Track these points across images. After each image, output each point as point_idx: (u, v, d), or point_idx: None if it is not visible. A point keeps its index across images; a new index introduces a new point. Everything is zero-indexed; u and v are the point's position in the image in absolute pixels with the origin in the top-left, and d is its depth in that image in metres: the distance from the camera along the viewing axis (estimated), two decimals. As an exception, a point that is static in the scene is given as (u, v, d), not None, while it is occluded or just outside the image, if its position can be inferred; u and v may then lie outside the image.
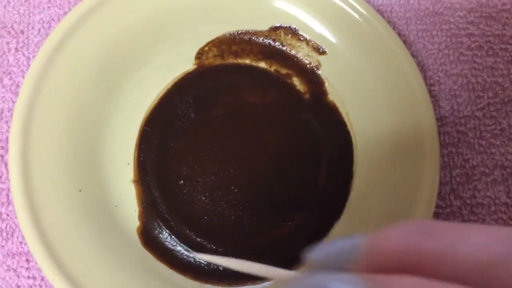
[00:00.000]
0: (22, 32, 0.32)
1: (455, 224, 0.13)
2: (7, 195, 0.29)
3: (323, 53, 0.31)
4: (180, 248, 0.28)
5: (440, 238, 0.13)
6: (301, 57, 0.32)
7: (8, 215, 0.28)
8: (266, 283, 0.27)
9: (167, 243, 0.28)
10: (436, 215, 0.30)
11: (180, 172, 0.29)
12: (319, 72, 0.32)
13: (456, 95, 0.32)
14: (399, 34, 0.34)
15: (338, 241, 0.15)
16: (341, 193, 0.29)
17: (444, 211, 0.30)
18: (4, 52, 0.32)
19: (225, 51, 0.32)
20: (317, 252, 0.15)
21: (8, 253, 0.28)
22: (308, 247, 0.27)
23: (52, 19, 0.32)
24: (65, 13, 0.33)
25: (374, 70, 0.30)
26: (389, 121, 0.29)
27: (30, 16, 0.33)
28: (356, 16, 0.30)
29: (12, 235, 0.28)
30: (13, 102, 0.31)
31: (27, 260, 0.28)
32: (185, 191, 0.29)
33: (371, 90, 0.30)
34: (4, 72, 0.31)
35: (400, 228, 0.13)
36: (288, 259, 0.28)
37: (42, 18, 0.33)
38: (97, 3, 0.29)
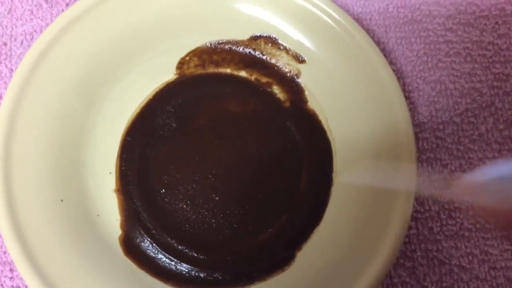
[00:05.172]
0: (5, 44, 0.33)
1: None
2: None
3: (302, 61, 0.32)
4: (162, 256, 0.29)
5: None
6: (281, 66, 0.32)
7: (-9, 225, 0.29)
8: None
9: (149, 251, 0.29)
10: (415, 220, 0.30)
11: (161, 181, 0.30)
12: (299, 80, 0.32)
13: (435, 101, 0.33)
14: (378, 42, 0.34)
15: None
16: (321, 200, 0.30)
17: (423, 215, 0.30)
18: (-13, 64, 0.32)
19: (206, 60, 0.32)
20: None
21: (-8, 263, 0.28)
22: (288, 253, 0.28)
23: (35, 31, 0.33)
24: (48, 25, 0.33)
25: (352, 78, 0.31)
26: (368, 128, 0.30)
27: (12, 28, 0.33)
28: (335, 25, 0.31)
29: (-5, 245, 0.29)
30: (-4, 113, 0.31)
31: (11, 270, 0.28)
32: (166, 199, 0.29)
33: (350, 98, 0.31)
34: (-13, 84, 0.32)
35: None
36: (269, 265, 0.28)
37: (24, 30, 0.33)
38: (78, 14, 0.29)
